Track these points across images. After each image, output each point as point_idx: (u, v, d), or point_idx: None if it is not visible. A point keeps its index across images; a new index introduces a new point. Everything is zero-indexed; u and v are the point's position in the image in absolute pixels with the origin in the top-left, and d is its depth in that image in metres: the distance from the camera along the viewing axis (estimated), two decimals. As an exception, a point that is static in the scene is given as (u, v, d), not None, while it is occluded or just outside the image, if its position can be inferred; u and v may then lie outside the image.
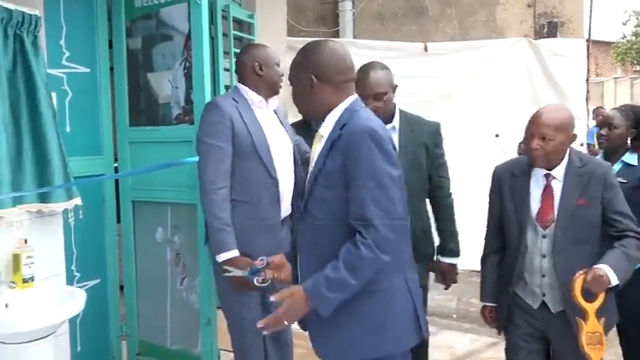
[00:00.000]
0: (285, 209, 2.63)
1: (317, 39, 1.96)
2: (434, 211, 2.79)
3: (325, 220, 1.76)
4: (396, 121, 2.63)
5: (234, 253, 2.42)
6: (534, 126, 2.20)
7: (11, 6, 2.44)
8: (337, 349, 1.78)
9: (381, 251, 1.65)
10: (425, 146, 2.64)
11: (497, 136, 5.83)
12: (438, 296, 4.70)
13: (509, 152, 5.72)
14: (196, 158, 2.63)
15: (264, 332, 1.76)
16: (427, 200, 2.79)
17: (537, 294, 2.26)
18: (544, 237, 2.22)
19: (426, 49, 5.66)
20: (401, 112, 2.67)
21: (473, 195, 5.76)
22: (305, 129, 2.81)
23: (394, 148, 1.81)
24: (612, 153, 2.91)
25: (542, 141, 2.16)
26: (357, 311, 1.74)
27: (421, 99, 5.33)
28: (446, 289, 2.89)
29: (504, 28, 5.82)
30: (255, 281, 2.01)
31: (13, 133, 2.46)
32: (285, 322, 1.74)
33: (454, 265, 2.80)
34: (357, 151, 1.68)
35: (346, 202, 1.70)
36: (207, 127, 2.50)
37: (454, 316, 4.76)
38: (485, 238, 2.47)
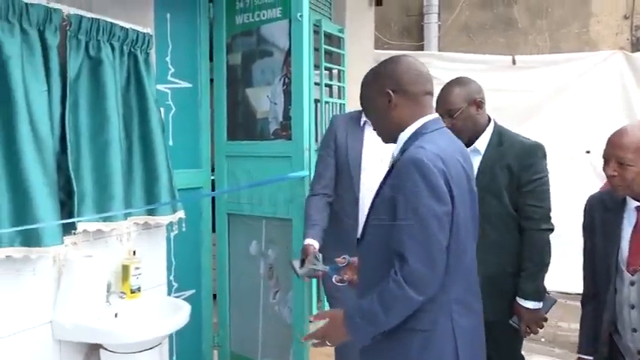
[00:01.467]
0: None
1: (398, 53, 1.91)
2: (521, 244, 2.37)
3: (375, 245, 1.71)
4: (482, 141, 2.40)
5: (306, 241, 2.53)
6: (610, 148, 1.89)
7: (127, 25, 2.53)
8: None
9: (412, 288, 1.56)
10: (508, 168, 2.33)
11: (588, 152, 5.63)
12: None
13: (600, 170, 5.50)
14: (294, 175, 2.88)
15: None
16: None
17: (632, 351, 1.96)
18: (632, 284, 1.92)
19: (514, 62, 5.53)
20: (496, 129, 2.43)
21: (561, 214, 5.60)
22: None
23: (466, 173, 1.71)
24: None
25: (619, 167, 1.85)
26: (394, 347, 1.69)
27: (508, 114, 5.19)
28: (520, 336, 2.46)
29: (598, 41, 5.60)
30: (333, 278, 2.06)
31: (126, 148, 2.54)
32: (328, 343, 1.75)
33: (532, 311, 2.34)
34: (403, 183, 1.61)
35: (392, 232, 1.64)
36: (321, 140, 2.83)
37: (542, 339, 4.59)
38: (583, 279, 2.20)
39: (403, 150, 1.70)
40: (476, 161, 2.34)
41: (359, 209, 2.62)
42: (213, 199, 3.41)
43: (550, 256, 2.36)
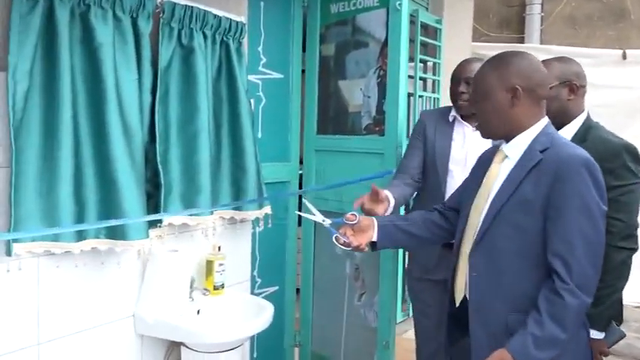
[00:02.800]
0: None
1: (514, 49, 1.80)
2: None
3: (512, 248, 1.60)
4: (566, 132, 2.05)
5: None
6: None
7: (220, 13, 2.42)
8: None
9: (585, 292, 1.51)
10: None
11: None
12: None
13: None
14: (388, 172, 2.70)
15: None
16: None
17: None
18: None
19: (624, 56, 5.07)
20: (587, 122, 2.09)
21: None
22: None
23: None
24: None
25: None
26: None
27: (617, 112, 4.79)
28: None
29: None
30: (334, 238, 1.85)
31: (215, 140, 2.44)
32: None
33: (595, 342, 1.93)
34: (570, 182, 1.53)
35: (541, 233, 1.56)
36: (411, 134, 2.68)
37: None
38: None
39: (542, 149, 1.60)
40: None
41: None
42: (299, 195, 3.27)
43: (626, 279, 1.96)
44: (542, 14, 5.55)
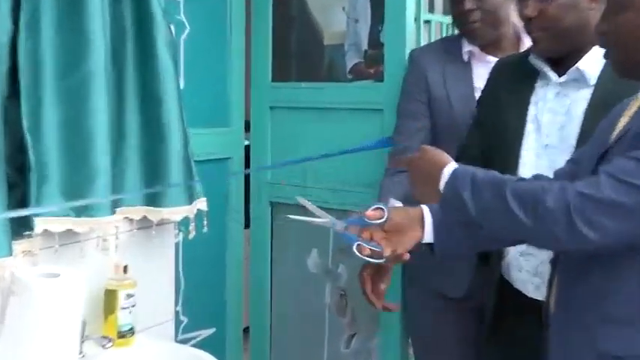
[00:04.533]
0: None
1: None
2: None
3: (606, 240, 1.54)
4: (589, 63, 2.08)
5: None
6: None
7: None
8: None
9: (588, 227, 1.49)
10: None
11: None
12: None
13: None
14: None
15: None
16: None
17: None
18: None
19: None
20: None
21: None
22: None
23: None
24: None
25: None
26: None
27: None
28: None
29: None
30: (354, 248, 1.78)
31: (115, 91, 2.32)
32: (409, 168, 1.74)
33: None
34: None
35: None
36: (402, 86, 2.74)
37: None
38: None
39: None
40: (580, 97, 2.11)
41: None
42: (246, 180, 3.23)
43: None
44: None
